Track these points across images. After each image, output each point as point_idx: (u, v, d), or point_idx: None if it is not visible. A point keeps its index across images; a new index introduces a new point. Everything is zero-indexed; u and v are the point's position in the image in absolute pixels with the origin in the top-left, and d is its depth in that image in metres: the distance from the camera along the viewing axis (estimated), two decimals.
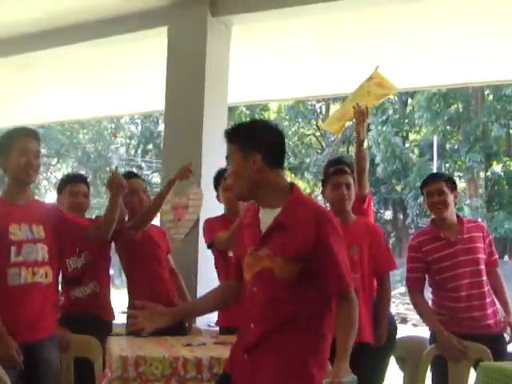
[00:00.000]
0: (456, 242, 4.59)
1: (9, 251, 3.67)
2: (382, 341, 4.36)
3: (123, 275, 5.23)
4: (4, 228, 3.68)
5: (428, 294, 4.87)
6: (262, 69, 8.78)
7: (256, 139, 2.87)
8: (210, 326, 5.16)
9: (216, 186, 5.12)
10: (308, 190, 30.64)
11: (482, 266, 4.59)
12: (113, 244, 4.91)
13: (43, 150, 36.11)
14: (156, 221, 5.66)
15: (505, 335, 4.57)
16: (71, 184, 4.88)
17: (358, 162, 4.93)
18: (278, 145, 2.95)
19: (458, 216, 4.77)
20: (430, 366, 4.58)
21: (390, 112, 29.71)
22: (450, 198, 4.65)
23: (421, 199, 28.11)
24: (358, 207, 4.82)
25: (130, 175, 4.90)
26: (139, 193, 4.90)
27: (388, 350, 4.55)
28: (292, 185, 2.95)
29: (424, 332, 5.07)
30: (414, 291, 4.79)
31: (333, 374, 2.57)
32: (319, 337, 2.80)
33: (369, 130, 26.77)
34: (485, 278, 4.60)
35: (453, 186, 4.72)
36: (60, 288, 4.72)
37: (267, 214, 2.86)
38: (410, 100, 30.49)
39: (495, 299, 4.67)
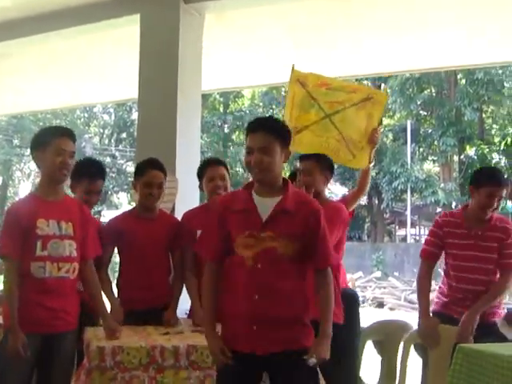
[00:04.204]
0: (475, 236, 4.51)
1: (34, 245, 3.73)
2: None
3: None
4: (31, 223, 3.73)
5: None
6: (235, 55, 8.77)
7: (288, 137, 3.29)
8: (186, 314, 5.14)
9: (200, 176, 4.89)
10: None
11: (491, 266, 4.47)
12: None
13: (15, 141, 35.91)
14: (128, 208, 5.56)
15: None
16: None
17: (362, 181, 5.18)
18: None
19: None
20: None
21: None
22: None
23: (395, 183, 28.52)
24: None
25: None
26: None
27: (348, 330, 4.42)
28: (283, 177, 3.34)
29: (401, 316, 5.08)
30: (424, 263, 4.75)
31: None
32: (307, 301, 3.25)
33: None
34: (487, 277, 4.47)
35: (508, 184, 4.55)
36: None
37: (266, 202, 3.23)
38: (383, 85, 30.59)
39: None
